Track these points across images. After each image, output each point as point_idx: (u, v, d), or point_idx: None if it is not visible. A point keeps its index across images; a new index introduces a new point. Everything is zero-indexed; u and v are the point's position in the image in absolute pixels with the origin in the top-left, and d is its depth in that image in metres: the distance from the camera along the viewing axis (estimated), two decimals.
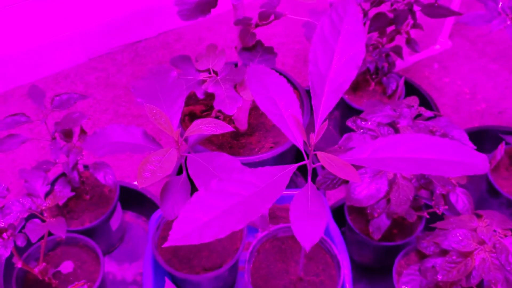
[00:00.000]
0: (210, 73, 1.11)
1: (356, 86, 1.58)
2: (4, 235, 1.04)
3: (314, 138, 0.77)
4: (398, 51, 1.49)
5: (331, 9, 0.80)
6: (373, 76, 1.54)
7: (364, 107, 1.30)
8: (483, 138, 1.55)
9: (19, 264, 1.10)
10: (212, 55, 1.11)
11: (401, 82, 1.50)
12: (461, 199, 1.17)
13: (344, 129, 1.58)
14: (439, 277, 0.99)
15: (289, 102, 0.83)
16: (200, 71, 1.12)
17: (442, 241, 1.00)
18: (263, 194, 0.71)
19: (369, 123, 1.18)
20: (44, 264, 1.14)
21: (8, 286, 1.23)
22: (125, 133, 0.91)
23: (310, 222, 0.72)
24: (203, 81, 1.10)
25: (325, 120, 0.78)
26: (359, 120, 1.19)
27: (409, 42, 1.48)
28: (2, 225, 1.02)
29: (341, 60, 0.81)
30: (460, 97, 1.78)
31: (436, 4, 1.40)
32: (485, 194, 1.41)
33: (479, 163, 0.72)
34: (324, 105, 0.80)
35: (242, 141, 1.26)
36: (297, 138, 0.79)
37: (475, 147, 1.41)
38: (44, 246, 1.12)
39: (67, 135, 1.22)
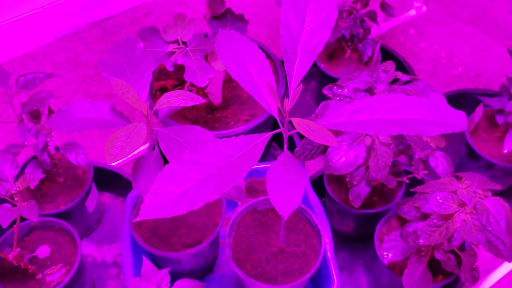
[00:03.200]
0: (179, 44, 1.07)
1: (332, 55, 1.55)
2: None
3: (288, 104, 0.74)
4: (373, 16, 1.46)
5: None
6: (349, 43, 1.51)
7: (340, 75, 1.28)
8: (461, 102, 1.54)
9: None
10: (180, 26, 1.07)
11: (377, 48, 1.48)
12: (440, 162, 1.16)
13: (322, 99, 1.56)
14: (421, 241, 0.98)
15: (261, 68, 0.80)
16: (168, 43, 1.08)
17: (423, 205, 0.99)
18: (238, 164, 0.69)
19: (346, 90, 1.16)
20: (18, 249, 1.10)
21: None
22: (92, 109, 0.87)
23: (287, 190, 0.70)
24: (172, 53, 1.06)
25: (299, 85, 0.75)
26: (335, 87, 1.16)
27: (383, 6, 1.45)
28: None
29: (314, 22, 0.78)
30: (437, 62, 1.76)
31: None
32: (464, 157, 1.41)
33: (457, 121, 0.70)
34: (298, 69, 0.78)
35: (217, 115, 1.23)
36: (271, 105, 0.77)
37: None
38: (17, 232, 1.08)
39: (35, 116, 1.17)
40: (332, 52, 1.55)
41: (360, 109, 0.73)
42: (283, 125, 0.76)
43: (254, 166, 1.26)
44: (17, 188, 1.03)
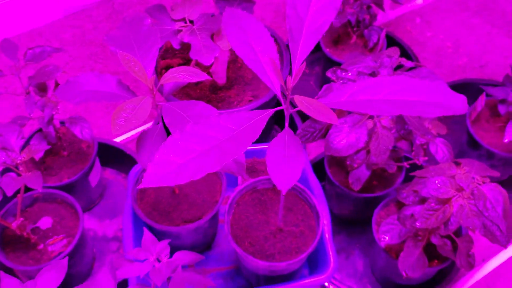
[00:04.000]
0: (186, 22, 1.08)
1: (338, 40, 1.56)
2: None
3: (291, 81, 0.76)
4: (379, 2, 1.47)
5: None
6: (354, 29, 1.52)
7: (345, 60, 1.29)
8: (465, 91, 1.52)
9: None
10: (188, 4, 1.08)
11: (383, 35, 1.48)
12: (440, 149, 1.17)
13: (326, 84, 1.57)
14: (418, 224, 1.00)
15: (266, 47, 0.81)
16: (175, 21, 1.09)
17: (421, 189, 1.00)
18: (239, 138, 0.70)
19: (349, 74, 1.17)
20: (21, 219, 1.12)
21: None
22: (99, 82, 0.88)
23: (287, 165, 0.71)
24: (179, 31, 1.07)
25: (302, 63, 0.76)
26: (339, 70, 1.17)
27: None
28: None
29: (319, 2, 0.79)
30: (442, 51, 1.77)
31: None
32: (465, 146, 1.42)
33: (457, 104, 0.71)
34: (302, 48, 0.79)
35: (220, 94, 1.24)
36: (274, 83, 0.78)
37: None
38: (21, 201, 1.11)
39: (42, 89, 1.19)
40: (338, 37, 1.56)
41: (363, 89, 0.74)
42: (285, 102, 0.78)
43: (256, 147, 1.29)
44: (22, 158, 1.05)
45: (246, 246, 1.09)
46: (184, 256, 0.88)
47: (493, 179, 1.40)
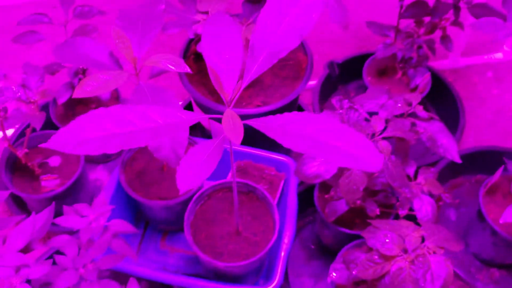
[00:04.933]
0: (207, 15, 1.14)
1: (383, 72, 1.52)
2: None
3: (229, 94, 0.78)
4: (431, 45, 1.41)
5: None
6: (401, 65, 1.47)
7: (368, 91, 1.27)
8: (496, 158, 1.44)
9: (5, 144, 1.24)
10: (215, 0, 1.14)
11: (426, 78, 1.43)
12: (425, 207, 1.12)
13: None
14: (354, 272, 0.98)
15: (232, 56, 0.84)
16: (200, 12, 1.15)
17: (369, 238, 0.98)
18: (159, 131, 0.74)
19: (355, 106, 1.15)
20: (26, 150, 1.26)
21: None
22: (93, 48, 0.97)
23: (196, 171, 0.75)
24: (197, 22, 1.12)
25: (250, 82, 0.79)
26: (346, 101, 1.16)
27: (444, 39, 1.39)
28: None
29: (288, 26, 0.81)
30: (502, 113, 1.65)
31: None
32: (474, 215, 1.33)
33: (372, 161, 0.70)
34: (258, 66, 0.81)
35: None
36: (221, 92, 0.81)
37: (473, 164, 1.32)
38: (28, 135, 1.24)
39: None
40: (385, 68, 1.52)
41: (292, 122, 0.75)
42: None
43: (254, 151, 1.31)
44: (36, 98, 1.17)
45: (200, 238, 1.13)
46: (119, 224, 0.95)
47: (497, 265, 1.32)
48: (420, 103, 1.21)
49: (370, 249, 1.18)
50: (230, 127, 0.73)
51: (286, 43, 0.80)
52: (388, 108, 1.12)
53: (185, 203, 1.22)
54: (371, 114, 1.15)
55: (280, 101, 1.28)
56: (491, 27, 1.03)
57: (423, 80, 1.43)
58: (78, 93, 0.87)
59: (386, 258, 0.95)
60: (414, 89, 1.47)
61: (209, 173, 0.74)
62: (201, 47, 0.84)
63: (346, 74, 1.65)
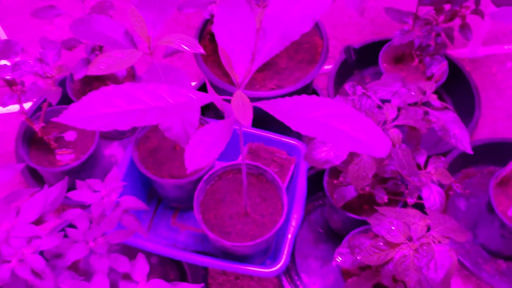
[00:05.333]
0: None
1: (400, 58, 1.51)
2: (14, 88, 1.19)
3: (241, 76, 0.79)
4: (450, 34, 1.39)
5: None
6: (418, 53, 1.46)
7: (383, 78, 1.26)
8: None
9: (23, 117, 1.26)
10: None
11: (444, 67, 1.41)
12: (433, 197, 1.12)
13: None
14: (359, 257, 0.99)
15: (245, 38, 0.84)
16: None
17: (375, 225, 0.98)
18: (168, 110, 0.75)
19: (368, 93, 1.15)
20: (43, 124, 1.29)
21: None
22: (108, 26, 0.98)
23: (204, 151, 0.76)
24: (213, 2, 1.13)
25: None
26: (359, 87, 1.16)
27: (463, 28, 1.37)
28: (11, 78, 1.17)
29: (300, 11, 0.81)
30: None
31: None
32: (484, 207, 1.33)
33: (380, 147, 0.70)
34: (269, 49, 0.81)
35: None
36: (232, 73, 0.81)
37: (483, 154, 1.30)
38: (45, 109, 1.27)
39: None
40: (402, 55, 1.51)
41: (299, 104, 0.75)
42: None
43: (266, 134, 1.32)
44: (53, 73, 1.19)
45: (209, 217, 1.15)
46: (130, 201, 0.97)
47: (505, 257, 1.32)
48: (435, 92, 1.20)
49: (375, 236, 1.18)
50: (240, 108, 0.74)
51: (299, 26, 0.80)
52: (401, 95, 1.11)
53: (196, 182, 1.23)
54: (384, 101, 1.15)
55: (294, 85, 1.28)
56: (511, 18, 1.01)
57: (440, 69, 1.42)
58: (92, 71, 0.88)
59: (391, 245, 0.96)
60: (430, 78, 1.46)
61: (218, 153, 0.75)
62: (214, 28, 0.84)
63: (363, 60, 1.64)
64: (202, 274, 1.32)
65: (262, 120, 1.24)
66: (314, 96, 0.76)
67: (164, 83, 0.91)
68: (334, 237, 1.40)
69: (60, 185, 0.93)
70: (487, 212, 1.31)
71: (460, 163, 1.46)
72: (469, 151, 1.14)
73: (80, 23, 0.97)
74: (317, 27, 1.35)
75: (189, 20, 1.81)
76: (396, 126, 1.06)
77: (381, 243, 0.97)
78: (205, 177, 1.17)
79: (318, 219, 1.44)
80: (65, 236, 0.90)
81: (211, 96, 0.79)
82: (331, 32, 1.76)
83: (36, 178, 1.43)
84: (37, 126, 1.28)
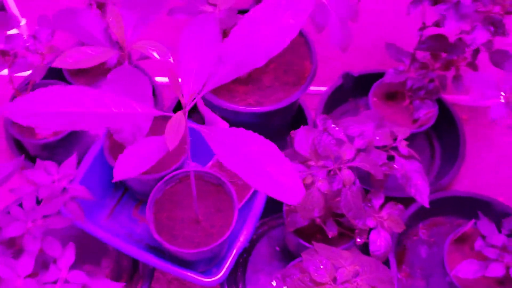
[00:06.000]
0: (214, 7, 1.16)
1: (392, 95, 1.51)
2: (6, 58, 1.25)
3: (187, 99, 0.81)
4: (443, 81, 1.38)
5: None
6: (409, 94, 1.45)
7: (361, 115, 1.26)
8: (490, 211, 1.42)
9: (10, 86, 1.32)
10: None
11: (431, 113, 1.41)
12: (380, 242, 1.13)
13: None
14: (284, 287, 1.01)
15: (204, 56, 0.87)
16: (209, 4, 1.17)
17: (306, 260, 1.00)
18: (112, 119, 0.79)
19: (337, 129, 1.16)
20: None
21: None
22: (90, 21, 1.02)
23: (135, 163, 0.79)
24: (201, 12, 1.15)
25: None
26: (330, 121, 1.17)
27: (456, 78, 1.36)
28: (3, 48, 1.22)
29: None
30: (506, 162, 1.60)
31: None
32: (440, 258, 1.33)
33: (291, 194, 0.72)
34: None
35: (231, 85, 1.31)
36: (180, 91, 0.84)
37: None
38: (32, 83, 1.32)
39: (100, 6, 1.36)
40: (394, 93, 1.51)
41: (233, 137, 0.78)
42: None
43: None
44: (43, 51, 1.24)
45: (162, 217, 1.18)
46: (78, 190, 1.01)
47: None
48: (424, 133, 1.19)
49: (305, 270, 1.21)
50: (172, 131, 0.76)
51: (252, 60, 0.82)
52: (365, 137, 1.12)
53: (159, 180, 1.27)
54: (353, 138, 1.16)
55: (274, 104, 1.29)
56: (480, 85, 1.00)
57: (427, 114, 1.41)
58: (58, 63, 0.92)
59: (316, 284, 0.98)
60: (415, 121, 1.46)
61: (146, 168, 0.79)
62: (179, 43, 0.87)
63: (360, 89, 1.64)
64: (152, 267, 1.35)
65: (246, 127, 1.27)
66: (250, 132, 0.78)
67: (125, 86, 0.94)
68: (288, 257, 1.42)
69: (13, 163, 0.98)
70: (440, 266, 1.31)
71: (430, 210, 1.46)
72: (426, 204, 1.14)
73: (64, 14, 1.01)
74: (309, 50, 1.36)
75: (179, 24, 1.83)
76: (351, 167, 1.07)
77: (308, 279, 0.99)
78: (166, 177, 1.21)
79: (278, 237, 1.46)
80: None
81: (155, 111, 0.82)
82: (336, 54, 1.76)
83: (19, 146, 1.48)
84: None
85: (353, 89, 1.65)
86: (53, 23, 1.00)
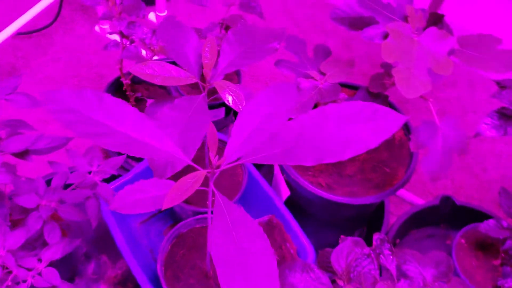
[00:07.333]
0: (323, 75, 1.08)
1: (485, 246, 1.29)
2: (123, 40, 1.28)
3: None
4: None
5: None
6: (503, 255, 1.23)
7: (430, 254, 1.09)
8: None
9: (117, 67, 1.36)
10: None
11: None
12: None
13: None
14: None
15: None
16: (318, 71, 1.09)
17: None
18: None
19: (391, 257, 1.01)
20: (129, 82, 1.37)
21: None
22: (190, 43, 0.98)
23: (131, 202, 0.74)
24: (307, 76, 1.07)
25: None
26: (388, 245, 1.02)
27: None
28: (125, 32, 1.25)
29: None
30: None
31: None
32: None
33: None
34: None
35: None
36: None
37: None
38: None
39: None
40: (489, 244, 1.29)
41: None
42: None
43: (292, 222, 1.23)
44: (155, 48, 1.25)
45: (179, 252, 1.13)
46: (104, 190, 0.99)
47: None
48: None
49: None
50: (179, 189, 0.70)
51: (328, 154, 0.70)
52: (414, 283, 0.96)
53: (197, 213, 1.22)
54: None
55: (345, 197, 1.17)
56: None
57: None
58: (135, 70, 0.89)
59: None
60: (498, 287, 1.23)
61: (183, 198, 0.72)
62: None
63: (460, 220, 1.43)
64: None
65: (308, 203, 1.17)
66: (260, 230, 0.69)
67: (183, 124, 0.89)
68: None
69: (63, 138, 0.99)
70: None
71: None
72: None
73: (170, 24, 0.99)
74: (410, 158, 1.21)
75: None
76: None
77: None
78: (199, 216, 1.15)
79: None
80: None
81: (190, 162, 0.76)
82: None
83: None
84: (125, 81, 1.37)
85: (449, 216, 1.45)
86: (159, 30, 0.99)
